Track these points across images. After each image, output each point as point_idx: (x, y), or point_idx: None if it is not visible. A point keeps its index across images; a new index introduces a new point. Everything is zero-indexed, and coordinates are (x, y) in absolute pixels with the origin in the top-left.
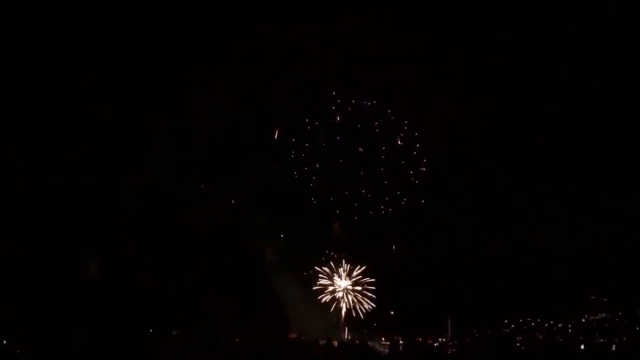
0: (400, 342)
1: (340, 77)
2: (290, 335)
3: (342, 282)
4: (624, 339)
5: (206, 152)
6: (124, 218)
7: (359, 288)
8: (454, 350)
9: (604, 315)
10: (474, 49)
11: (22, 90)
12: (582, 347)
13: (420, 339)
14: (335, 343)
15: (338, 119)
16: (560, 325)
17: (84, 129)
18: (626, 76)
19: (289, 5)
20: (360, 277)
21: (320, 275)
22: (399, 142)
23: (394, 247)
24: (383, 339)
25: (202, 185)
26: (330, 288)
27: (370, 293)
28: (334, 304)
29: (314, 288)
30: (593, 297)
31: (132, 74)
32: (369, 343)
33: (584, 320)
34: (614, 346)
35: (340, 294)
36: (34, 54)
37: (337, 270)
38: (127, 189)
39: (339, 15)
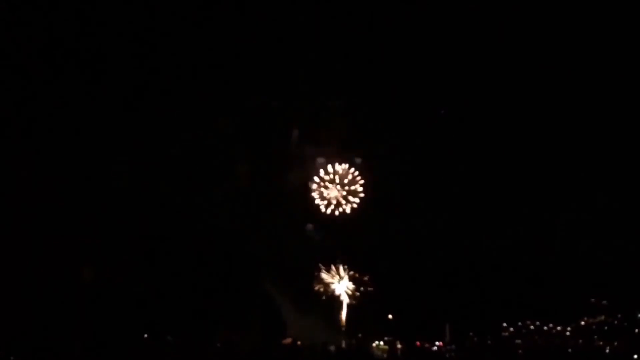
0: (399, 346)
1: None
2: (285, 341)
3: (340, 285)
4: (624, 342)
5: (202, 155)
6: (118, 222)
7: (358, 291)
8: (452, 354)
9: (603, 318)
10: (473, 49)
11: (13, 92)
12: (582, 350)
13: (419, 344)
14: (332, 348)
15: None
16: (559, 328)
17: (79, 132)
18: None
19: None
20: (358, 280)
21: (317, 278)
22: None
23: (392, 251)
24: (381, 343)
25: (198, 189)
26: (329, 290)
27: (369, 297)
28: (331, 308)
29: (310, 291)
30: (593, 300)
31: (129, 79)
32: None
33: (583, 323)
34: (614, 349)
35: (337, 298)
36: (29, 53)
37: (336, 273)
38: (122, 192)
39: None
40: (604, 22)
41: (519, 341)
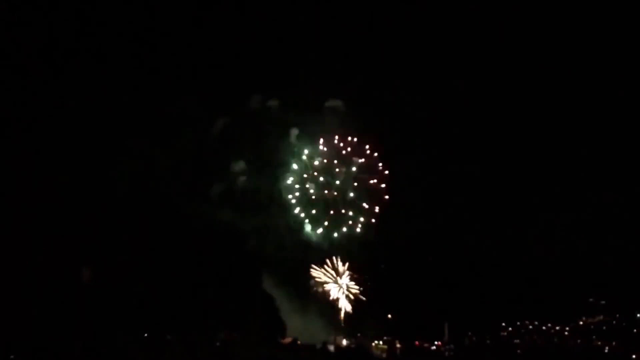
0: (398, 345)
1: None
2: (285, 340)
3: (339, 285)
4: (623, 342)
5: (202, 155)
6: (118, 222)
7: (357, 291)
8: (451, 354)
9: (601, 317)
10: (475, 50)
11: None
12: (581, 350)
13: (418, 343)
14: (332, 348)
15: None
16: (558, 328)
17: (79, 132)
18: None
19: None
20: (358, 279)
21: (317, 278)
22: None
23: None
24: (380, 342)
25: (198, 190)
26: (328, 289)
27: (368, 296)
28: (331, 308)
29: (310, 291)
30: (591, 300)
31: (129, 79)
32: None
33: (582, 323)
34: (612, 349)
35: (337, 297)
36: (29, 53)
37: (336, 273)
38: (122, 192)
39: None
40: (603, 23)
41: (517, 341)
